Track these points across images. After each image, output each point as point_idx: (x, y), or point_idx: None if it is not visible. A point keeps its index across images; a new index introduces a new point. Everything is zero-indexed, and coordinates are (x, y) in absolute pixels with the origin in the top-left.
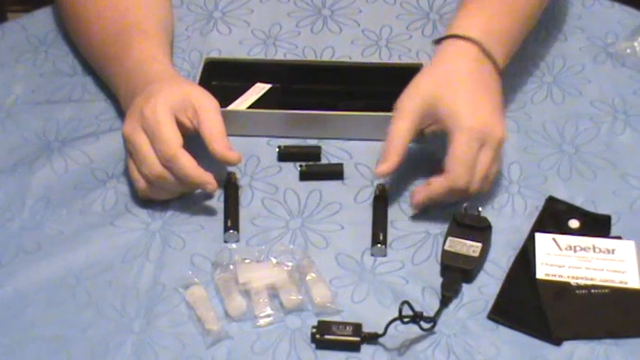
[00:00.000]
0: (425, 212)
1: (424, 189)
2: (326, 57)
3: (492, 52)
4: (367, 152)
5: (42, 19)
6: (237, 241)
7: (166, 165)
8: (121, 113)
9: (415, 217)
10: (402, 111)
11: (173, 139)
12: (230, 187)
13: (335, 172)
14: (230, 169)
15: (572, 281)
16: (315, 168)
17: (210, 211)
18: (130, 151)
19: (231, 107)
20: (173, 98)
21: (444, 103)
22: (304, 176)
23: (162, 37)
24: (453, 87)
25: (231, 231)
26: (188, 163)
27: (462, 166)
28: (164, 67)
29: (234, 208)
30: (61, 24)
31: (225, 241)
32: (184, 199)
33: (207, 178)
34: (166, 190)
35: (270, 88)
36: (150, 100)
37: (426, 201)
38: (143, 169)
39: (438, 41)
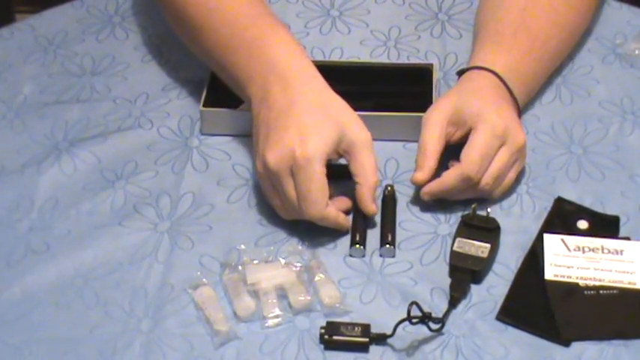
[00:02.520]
0: (433, 212)
1: (437, 179)
2: (335, 57)
3: (514, 91)
4: (376, 153)
5: (50, 19)
6: (363, 256)
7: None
8: (130, 113)
9: (423, 218)
10: (429, 120)
11: (322, 202)
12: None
13: (343, 173)
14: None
15: (581, 282)
16: None
17: (218, 212)
18: (271, 182)
19: (241, 108)
20: (330, 139)
21: (470, 105)
22: None
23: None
24: (478, 95)
25: (358, 246)
26: (334, 220)
27: (477, 155)
28: (313, 72)
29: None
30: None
31: (351, 256)
32: (194, 198)
33: (348, 224)
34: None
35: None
36: (306, 143)
37: (437, 190)
38: (284, 209)
39: (460, 72)
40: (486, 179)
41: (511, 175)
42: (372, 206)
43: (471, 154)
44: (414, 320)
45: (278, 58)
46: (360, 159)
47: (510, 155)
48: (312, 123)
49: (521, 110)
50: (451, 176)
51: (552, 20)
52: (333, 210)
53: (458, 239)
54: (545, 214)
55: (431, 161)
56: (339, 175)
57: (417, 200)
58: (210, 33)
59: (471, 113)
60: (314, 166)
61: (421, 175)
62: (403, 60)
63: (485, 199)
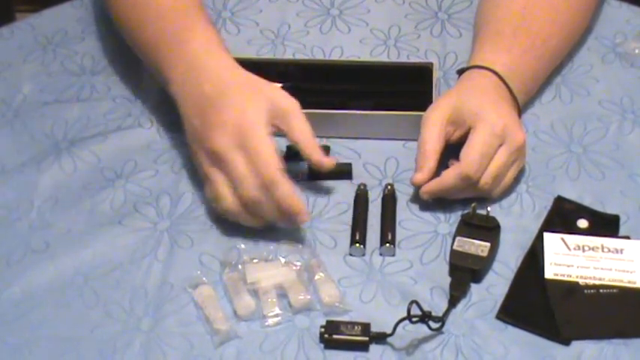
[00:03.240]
0: (433, 211)
1: (436, 179)
2: (335, 56)
3: (514, 90)
4: (376, 152)
5: (50, 18)
6: (363, 255)
7: (264, 187)
8: (130, 112)
9: (423, 217)
10: (429, 120)
11: (274, 161)
12: (359, 200)
13: (343, 172)
14: (357, 180)
15: (581, 281)
16: None
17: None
18: (220, 169)
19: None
20: (264, 108)
21: (470, 104)
22: (313, 175)
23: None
24: (478, 94)
25: (358, 245)
26: (288, 188)
27: (476, 154)
28: (232, 62)
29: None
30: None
31: (351, 255)
32: (194, 197)
33: (303, 207)
34: (256, 217)
35: (282, 87)
36: (245, 114)
37: (437, 189)
38: (240, 191)
39: (460, 71)
40: (485, 178)
41: (510, 175)
42: (325, 158)
43: (471, 154)
44: (414, 319)
45: (195, 53)
46: (296, 124)
47: (509, 154)
48: (243, 99)
49: (521, 109)
50: (450, 175)
51: (552, 19)
52: (289, 180)
53: (458, 238)
54: (545, 213)
55: (430, 162)
56: (340, 175)
57: (416, 199)
58: (137, 28)
59: (470, 112)
60: (260, 130)
61: (420, 176)
62: (403, 59)
63: (485, 199)
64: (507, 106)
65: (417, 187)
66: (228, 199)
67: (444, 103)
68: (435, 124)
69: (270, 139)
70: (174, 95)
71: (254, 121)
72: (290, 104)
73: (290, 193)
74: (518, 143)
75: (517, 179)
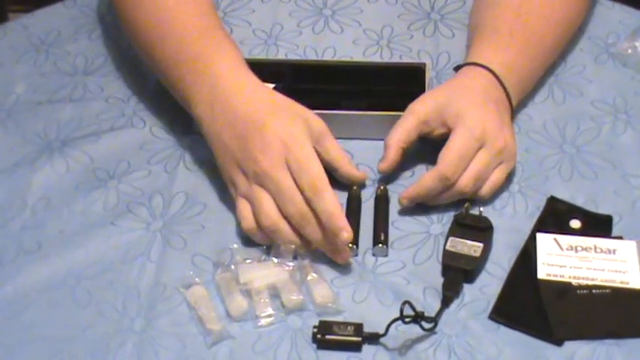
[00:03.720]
0: (426, 212)
1: (414, 183)
2: (327, 57)
3: (509, 89)
4: (369, 152)
5: (43, 18)
6: (356, 255)
7: (310, 200)
8: (123, 113)
9: (416, 218)
10: (410, 111)
11: (322, 173)
12: (352, 200)
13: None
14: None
15: (574, 281)
16: None
17: (211, 211)
18: (265, 187)
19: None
20: (304, 128)
21: (454, 105)
22: None
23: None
24: (465, 95)
25: (351, 246)
26: (335, 201)
27: (454, 155)
28: (259, 82)
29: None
30: (121, 21)
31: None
32: (186, 197)
33: (346, 224)
34: (299, 237)
35: (274, 88)
36: (290, 133)
37: (415, 193)
38: (289, 208)
39: (457, 68)
40: (465, 180)
41: (498, 176)
42: (362, 174)
43: (448, 155)
44: (407, 320)
45: (221, 74)
46: (330, 145)
47: (490, 157)
48: (285, 120)
49: (514, 109)
50: (428, 178)
51: (548, 17)
52: (333, 194)
53: (450, 238)
54: (537, 214)
55: (391, 151)
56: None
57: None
58: (159, 46)
59: (451, 114)
60: (307, 147)
61: (381, 165)
62: (396, 59)
63: (477, 199)
64: (493, 109)
65: (408, 184)
66: (273, 216)
67: (429, 99)
68: (413, 116)
69: (315, 155)
70: (200, 116)
71: (300, 139)
72: (323, 125)
73: (334, 203)
74: (498, 147)
75: (509, 180)
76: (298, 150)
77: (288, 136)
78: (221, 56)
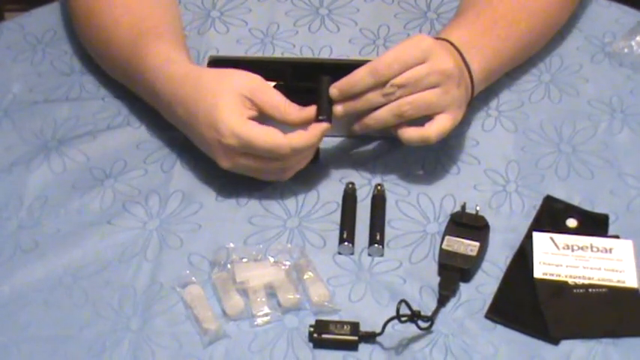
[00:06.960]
0: (422, 211)
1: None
2: (324, 56)
3: (468, 61)
4: (365, 151)
5: (39, 18)
6: (352, 253)
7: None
8: (120, 112)
9: (412, 217)
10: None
11: (274, 142)
12: (347, 198)
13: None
14: (346, 179)
15: (570, 280)
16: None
17: (207, 210)
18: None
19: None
20: (232, 105)
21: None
22: None
23: (177, 38)
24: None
25: (346, 243)
26: (302, 141)
27: (391, 54)
28: (181, 68)
29: (351, 219)
30: (76, 33)
31: (340, 253)
32: (183, 196)
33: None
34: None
35: (274, 86)
36: (220, 128)
37: (346, 85)
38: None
39: None
40: (396, 81)
41: (429, 96)
42: (305, 113)
43: (386, 53)
44: (403, 319)
45: (156, 74)
46: (265, 100)
47: (429, 72)
48: (208, 107)
49: (474, 84)
50: (360, 69)
51: (522, 4)
52: (297, 137)
53: (447, 237)
54: (534, 213)
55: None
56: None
57: (406, 199)
58: (110, 66)
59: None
60: (245, 135)
61: (334, 88)
62: None
63: (473, 198)
64: (455, 56)
65: (408, 187)
66: (259, 165)
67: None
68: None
69: (255, 130)
70: (167, 117)
71: (233, 128)
72: (250, 82)
73: (305, 138)
74: (442, 67)
75: (506, 179)
76: (240, 142)
77: (222, 134)
78: (151, 57)
